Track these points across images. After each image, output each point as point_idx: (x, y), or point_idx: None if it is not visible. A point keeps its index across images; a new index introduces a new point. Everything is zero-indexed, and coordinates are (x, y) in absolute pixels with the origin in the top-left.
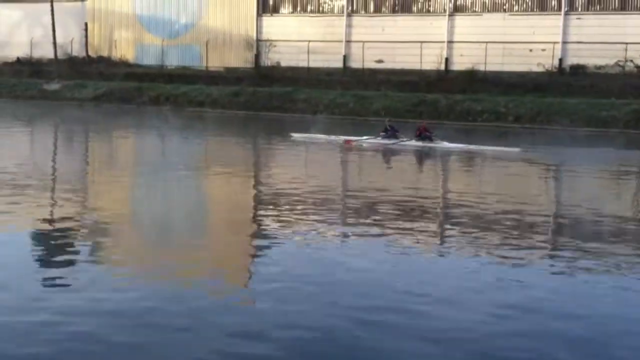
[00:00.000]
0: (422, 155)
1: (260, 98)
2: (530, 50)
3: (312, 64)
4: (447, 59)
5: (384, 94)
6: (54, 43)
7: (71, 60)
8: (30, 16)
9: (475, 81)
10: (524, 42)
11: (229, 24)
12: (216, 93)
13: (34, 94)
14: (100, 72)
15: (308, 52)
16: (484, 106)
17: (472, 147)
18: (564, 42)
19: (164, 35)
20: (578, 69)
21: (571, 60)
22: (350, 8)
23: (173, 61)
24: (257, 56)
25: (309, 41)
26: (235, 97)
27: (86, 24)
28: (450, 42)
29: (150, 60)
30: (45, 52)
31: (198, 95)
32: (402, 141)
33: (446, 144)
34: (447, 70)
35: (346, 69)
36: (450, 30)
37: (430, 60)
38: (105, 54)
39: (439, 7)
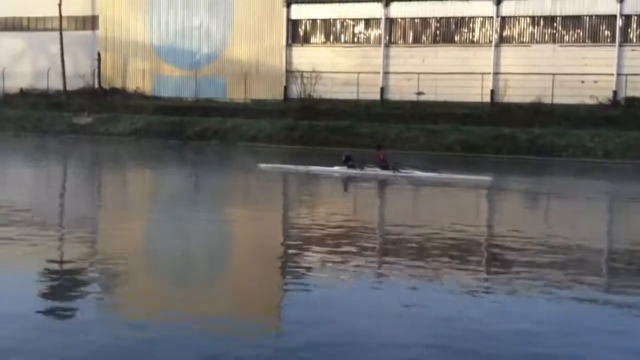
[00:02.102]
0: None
1: (318, 132)
2: (582, 82)
3: (348, 96)
4: (492, 91)
5: (456, 128)
6: (63, 73)
7: (84, 92)
8: (35, 45)
9: (539, 114)
10: (575, 74)
11: (255, 54)
12: (269, 127)
13: (63, 128)
14: (127, 105)
15: (339, 84)
16: (567, 141)
17: (444, 176)
18: (619, 74)
19: (184, 67)
20: (634, 101)
21: (626, 92)
22: (387, 38)
23: (192, 93)
24: (287, 88)
25: (346, 72)
26: (290, 132)
27: (99, 54)
28: (496, 73)
29: (168, 92)
30: (51, 82)
31: (249, 130)
32: (370, 171)
33: (419, 173)
34: (492, 102)
35: (384, 101)
36: (497, 61)
37: (475, 92)
38: (118, 85)
39: (482, 38)
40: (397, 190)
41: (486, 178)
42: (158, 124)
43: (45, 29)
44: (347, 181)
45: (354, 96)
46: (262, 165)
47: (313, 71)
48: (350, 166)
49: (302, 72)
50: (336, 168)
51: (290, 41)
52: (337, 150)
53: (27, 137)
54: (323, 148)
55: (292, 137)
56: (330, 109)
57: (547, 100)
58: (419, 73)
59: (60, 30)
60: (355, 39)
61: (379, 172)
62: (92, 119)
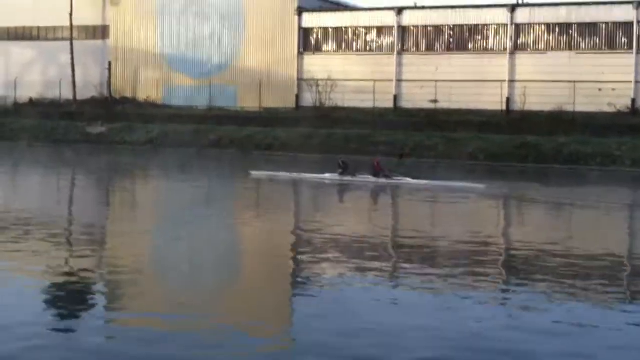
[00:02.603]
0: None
1: (336, 140)
2: (600, 90)
3: (360, 104)
4: (508, 99)
5: (477, 136)
6: (74, 83)
7: (94, 102)
8: (45, 55)
9: (560, 122)
10: (592, 82)
11: (267, 63)
12: (284, 136)
13: (77, 137)
14: (139, 114)
15: (348, 91)
16: (593, 149)
17: (436, 183)
18: (637, 82)
19: (195, 76)
20: None
21: None
22: (400, 46)
23: (203, 102)
24: (298, 96)
25: (359, 80)
26: (307, 140)
27: (110, 63)
28: (512, 81)
29: (179, 101)
30: (61, 92)
31: (265, 138)
32: (363, 178)
33: (410, 180)
34: (508, 110)
35: (397, 109)
36: (512, 69)
37: (490, 100)
38: (129, 94)
39: (497, 46)
40: (403, 198)
41: (479, 185)
42: (173, 132)
43: (55, 39)
44: (338, 188)
45: (366, 104)
46: (254, 173)
47: (328, 79)
48: (342, 173)
49: (317, 80)
50: (327, 175)
51: (301, 49)
52: (356, 159)
53: (41, 147)
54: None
55: (310, 145)
56: (345, 117)
57: (568, 108)
58: (432, 81)
59: (71, 39)
60: (368, 47)
61: (371, 179)
62: (106, 129)
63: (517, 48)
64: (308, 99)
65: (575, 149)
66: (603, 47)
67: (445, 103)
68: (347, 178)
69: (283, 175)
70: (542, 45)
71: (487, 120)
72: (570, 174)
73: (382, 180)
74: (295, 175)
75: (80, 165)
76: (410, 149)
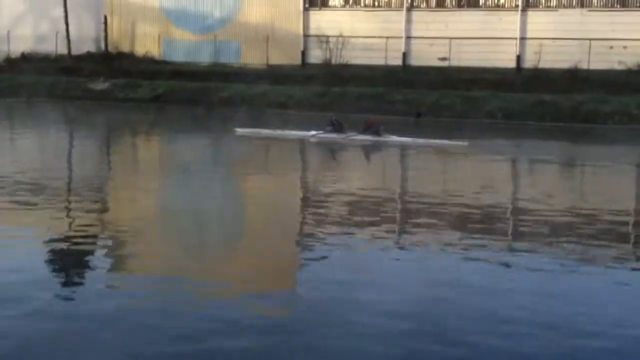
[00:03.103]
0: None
1: (349, 99)
2: (611, 48)
3: (367, 62)
4: (519, 57)
5: (495, 95)
6: (67, 37)
7: (89, 57)
8: (37, 8)
9: (575, 80)
10: (604, 39)
11: (271, 18)
12: (299, 94)
13: (78, 94)
14: (141, 70)
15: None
16: (612, 107)
17: (420, 140)
18: None
19: (195, 31)
20: None
21: None
22: (409, 2)
23: (205, 58)
24: (304, 53)
25: (368, 37)
26: (320, 98)
27: (105, 17)
28: (522, 38)
29: (179, 56)
30: (53, 47)
31: (278, 96)
32: (351, 136)
33: (395, 138)
34: (519, 68)
35: (406, 67)
36: (523, 26)
37: (501, 58)
38: (126, 49)
39: (508, 2)
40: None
41: (462, 143)
42: (180, 90)
43: None
44: (321, 146)
45: (374, 62)
46: (239, 130)
47: (340, 36)
48: (330, 131)
49: (328, 36)
50: (312, 132)
51: (307, 5)
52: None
53: (41, 103)
54: (355, 115)
55: (323, 103)
56: (356, 74)
57: (582, 66)
58: (442, 38)
59: None
60: (376, 3)
61: (358, 136)
62: (109, 85)
63: (528, 5)
64: (315, 56)
65: (594, 107)
66: (615, 5)
67: (455, 61)
68: (333, 135)
69: (268, 132)
70: (553, 2)
71: (501, 79)
72: (589, 132)
73: (368, 137)
74: (279, 132)
75: (88, 123)
76: (427, 107)
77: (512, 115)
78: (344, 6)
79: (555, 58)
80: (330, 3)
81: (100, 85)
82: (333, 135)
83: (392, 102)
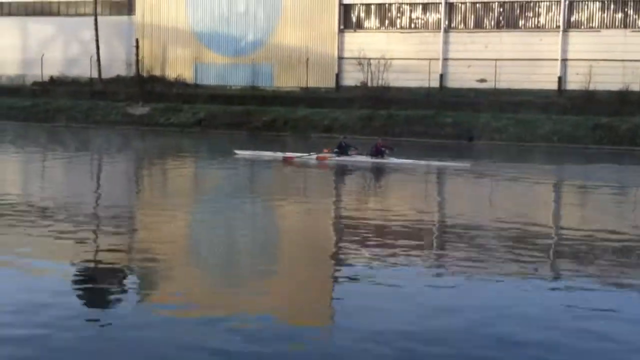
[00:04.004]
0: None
1: (398, 122)
2: None
3: (404, 84)
4: (560, 78)
5: (549, 117)
6: (98, 61)
7: (121, 80)
8: (66, 31)
9: (625, 102)
10: None
11: (305, 41)
12: (344, 117)
13: (117, 118)
14: (179, 94)
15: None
16: None
17: (422, 162)
18: None
19: (228, 54)
20: None
21: None
22: (447, 23)
23: (238, 81)
24: (338, 75)
25: (407, 59)
26: (368, 122)
27: (137, 41)
28: (564, 60)
29: (210, 80)
30: (84, 70)
31: (323, 119)
32: (357, 156)
33: (395, 160)
34: (560, 90)
35: (443, 89)
36: (564, 47)
37: (541, 80)
38: (157, 72)
39: (549, 23)
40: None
41: (465, 164)
42: (222, 114)
43: (77, 14)
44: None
45: (410, 84)
46: (238, 152)
47: (382, 58)
48: (336, 153)
49: (369, 58)
50: (313, 155)
51: (342, 26)
52: (420, 142)
53: (81, 128)
54: (405, 139)
55: (371, 127)
56: (396, 97)
57: (613, 87)
58: (481, 59)
59: (95, 14)
60: (413, 24)
61: (358, 158)
62: (148, 109)
63: (569, 26)
64: (350, 78)
65: None
66: None
67: (495, 83)
68: (336, 157)
69: (268, 154)
70: (595, 23)
71: (548, 101)
72: None
73: (368, 159)
74: (279, 154)
75: (138, 149)
76: (478, 130)
77: (568, 139)
78: (379, 28)
79: (600, 80)
80: (365, 25)
81: (140, 109)
82: (336, 157)
83: (441, 125)
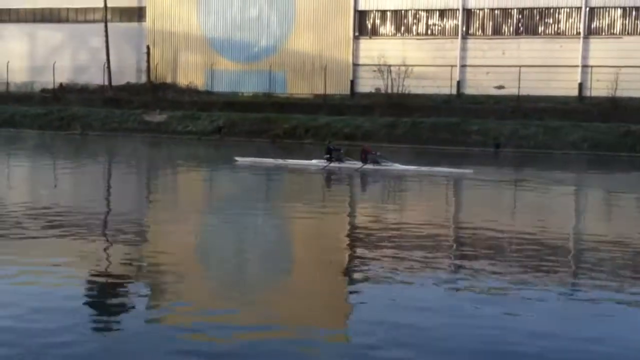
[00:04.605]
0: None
1: (423, 130)
2: None
3: (420, 91)
4: (580, 84)
5: (578, 125)
6: (108, 68)
7: (131, 87)
8: (75, 38)
9: None
10: None
11: (319, 47)
12: (367, 124)
13: (135, 126)
14: (194, 101)
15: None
16: None
17: (424, 169)
18: None
19: (240, 60)
20: None
21: None
22: (464, 30)
23: (250, 88)
24: (353, 82)
25: (422, 65)
26: (392, 129)
27: (148, 47)
28: (585, 66)
29: (223, 87)
30: (91, 77)
31: (344, 127)
32: (351, 164)
33: (399, 166)
34: (581, 97)
35: (460, 96)
36: (585, 54)
37: (561, 86)
38: (168, 80)
39: (569, 30)
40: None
41: (468, 171)
42: (241, 121)
43: (86, 21)
44: (326, 175)
45: (427, 90)
46: (239, 159)
47: (403, 65)
48: (329, 159)
49: (390, 65)
50: (313, 162)
51: (357, 33)
52: (447, 150)
53: (98, 136)
54: (430, 147)
55: (395, 135)
56: (417, 104)
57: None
58: (499, 66)
59: (105, 21)
60: (429, 31)
61: (358, 165)
62: (166, 117)
63: (590, 32)
64: (365, 85)
65: None
66: None
67: (513, 89)
68: (333, 164)
69: (268, 161)
70: (617, 29)
71: (573, 108)
72: None
73: (369, 166)
74: (280, 161)
75: (162, 158)
76: (506, 138)
77: (599, 146)
78: (395, 34)
79: (624, 86)
80: (380, 31)
81: (157, 117)
82: (333, 164)
83: (467, 132)
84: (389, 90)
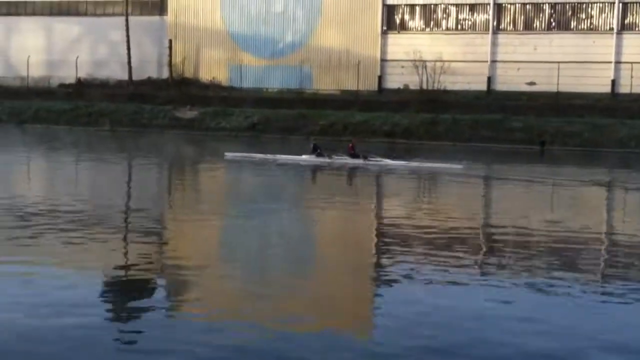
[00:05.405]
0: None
1: (464, 127)
2: None
3: (450, 87)
4: (613, 81)
5: (622, 122)
6: (129, 62)
7: (152, 82)
8: (93, 32)
9: None
10: None
11: (345, 42)
12: (405, 121)
13: (165, 122)
14: (223, 97)
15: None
16: None
17: (414, 164)
18: None
19: (265, 55)
20: None
21: None
22: (495, 25)
23: (274, 84)
24: (381, 78)
25: (452, 61)
26: (431, 126)
27: (170, 42)
28: (617, 62)
29: (248, 82)
30: (111, 72)
31: (383, 124)
32: (339, 159)
33: (388, 161)
34: (614, 93)
35: (490, 92)
36: (618, 50)
37: (593, 83)
38: (190, 75)
39: (602, 25)
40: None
41: (457, 166)
42: (275, 117)
43: (105, 14)
44: (315, 170)
45: (457, 87)
46: (229, 154)
47: (439, 60)
48: (319, 155)
49: (425, 61)
50: (304, 157)
51: (385, 28)
52: (488, 147)
53: (129, 132)
54: (473, 144)
55: (435, 132)
56: (455, 100)
57: None
58: (530, 62)
59: (126, 15)
60: (459, 26)
61: (348, 160)
62: (197, 113)
63: (624, 28)
64: (393, 81)
65: None
66: None
67: (544, 85)
68: (324, 159)
69: (258, 156)
70: None
71: (613, 104)
72: None
73: (360, 161)
74: (270, 156)
75: (207, 155)
76: (550, 135)
77: None
78: (424, 29)
79: None
80: (409, 25)
81: (189, 113)
82: (323, 160)
83: (510, 130)
84: (424, 87)
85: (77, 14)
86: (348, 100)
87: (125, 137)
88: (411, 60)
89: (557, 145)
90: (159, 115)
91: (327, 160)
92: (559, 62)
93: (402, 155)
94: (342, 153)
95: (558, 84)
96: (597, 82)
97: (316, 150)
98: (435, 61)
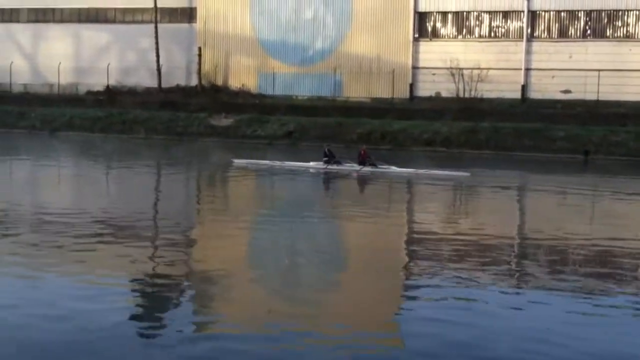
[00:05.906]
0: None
1: (505, 136)
2: None
3: (485, 95)
4: None
5: None
6: (158, 70)
7: (182, 90)
8: (121, 39)
9: None
10: None
11: (376, 49)
12: (444, 129)
13: (201, 130)
14: (255, 104)
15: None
16: None
17: (421, 171)
18: None
19: (295, 62)
20: None
21: None
22: (529, 32)
23: (304, 91)
24: (412, 85)
25: (488, 69)
26: (471, 135)
27: (200, 49)
28: None
29: (277, 90)
30: (139, 79)
31: (423, 133)
32: (353, 167)
33: (395, 169)
34: None
35: (525, 100)
36: None
37: (630, 91)
38: (219, 82)
39: (639, 33)
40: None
41: (464, 174)
42: (311, 125)
43: (134, 22)
44: (326, 177)
45: (491, 95)
46: (236, 161)
47: (477, 68)
48: (327, 162)
49: (462, 68)
50: (312, 164)
51: (416, 35)
52: (530, 156)
53: (165, 140)
54: (516, 154)
55: (475, 140)
56: (491, 109)
57: None
58: (565, 70)
59: (156, 22)
60: (493, 33)
61: (355, 167)
62: (232, 121)
63: None
64: (424, 89)
65: None
66: None
67: (580, 94)
68: (333, 166)
69: (266, 162)
70: None
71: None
72: None
73: (367, 169)
74: (278, 163)
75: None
76: (595, 145)
77: None
78: (456, 37)
79: None
80: (441, 33)
81: (224, 121)
82: (333, 167)
83: (552, 139)
84: (461, 94)
85: (105, 21)
86: (381, 108)
87: (163, 145)
88: (447, 68)
89: (602, 155)
90: (194, 123)
91: (335, 167)
92: (598, 70)
93: (411, 164)
94: (351, 160)
95: (598, 92)
96: (635, 91)
97: (327, 157)
98: (472, 69)
